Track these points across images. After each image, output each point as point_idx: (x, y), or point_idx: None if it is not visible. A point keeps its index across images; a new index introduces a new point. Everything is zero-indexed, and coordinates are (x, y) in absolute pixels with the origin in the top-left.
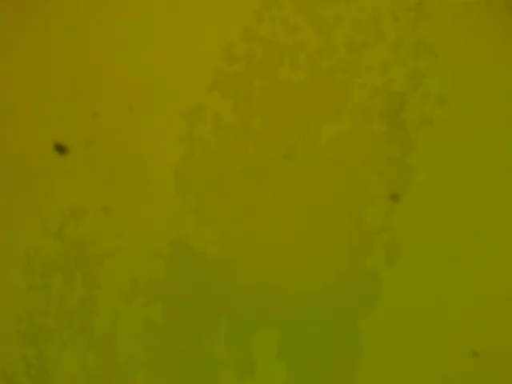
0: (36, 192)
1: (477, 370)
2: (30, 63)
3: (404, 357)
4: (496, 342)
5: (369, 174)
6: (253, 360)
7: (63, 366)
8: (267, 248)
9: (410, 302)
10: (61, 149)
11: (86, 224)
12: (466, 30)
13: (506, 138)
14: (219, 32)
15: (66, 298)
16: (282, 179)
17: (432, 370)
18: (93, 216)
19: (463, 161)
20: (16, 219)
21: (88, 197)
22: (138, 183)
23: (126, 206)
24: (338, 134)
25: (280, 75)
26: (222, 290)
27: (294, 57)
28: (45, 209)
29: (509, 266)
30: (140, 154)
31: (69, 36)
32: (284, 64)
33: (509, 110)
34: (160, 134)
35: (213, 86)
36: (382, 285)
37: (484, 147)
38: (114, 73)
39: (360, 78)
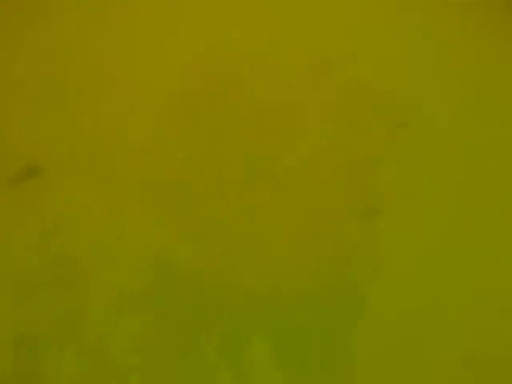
0: (20, 204)
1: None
2: (30, 63)
3: (397, 367)
4: (489, 354)
5: (347, 189)
6: (247, 371)
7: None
8: (251, 260)
9: (397, 315)
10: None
11: (72, 237)
12: (466, 31)
13: (504, 141)
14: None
15: (53, 310)
16: (259, 197)
17: (424, 380)
18: (78, 229)
19: (449, 170)
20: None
21: (73, 210)
22: (119, 195)
23: (110, 219)
24: (313, 148)
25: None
26: (213, 302)
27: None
28: (29, 222)
29: (497, 275)
30: (120, 167)
31: (70, 36)
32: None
33: (508, 112)
34: (138, 145)
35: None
36: (366, 299)
37: (480, 154)
38: (114, 73)
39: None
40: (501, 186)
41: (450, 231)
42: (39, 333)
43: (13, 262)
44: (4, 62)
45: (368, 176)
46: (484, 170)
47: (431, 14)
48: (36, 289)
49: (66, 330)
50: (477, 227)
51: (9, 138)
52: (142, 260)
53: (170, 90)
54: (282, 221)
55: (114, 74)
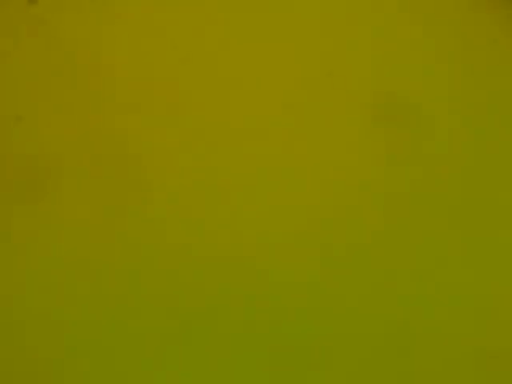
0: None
1: None
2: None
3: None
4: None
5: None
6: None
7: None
8: None
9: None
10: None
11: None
12: (466, 30)
13: (505, 141)
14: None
15: None
16: None
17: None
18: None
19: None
20: None
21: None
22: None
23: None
24: (314, 148)
25: None
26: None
27: None
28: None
29: (499, 273)
30: (122, 169)
31: (71, 34)
32: None
33: (509, 112)
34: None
35: None
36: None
37: (481, 154)
38: (115, 72)
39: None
40: (502, 187)
41: (451, 231)
42: None
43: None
44: (4, 61)
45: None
46: (485, 170)
47: (431, 13)
48: None
49: None
50: (477, 227)
51: (13, 138)
52: None
53: (176, 90)
54: None
55: (117, 74)
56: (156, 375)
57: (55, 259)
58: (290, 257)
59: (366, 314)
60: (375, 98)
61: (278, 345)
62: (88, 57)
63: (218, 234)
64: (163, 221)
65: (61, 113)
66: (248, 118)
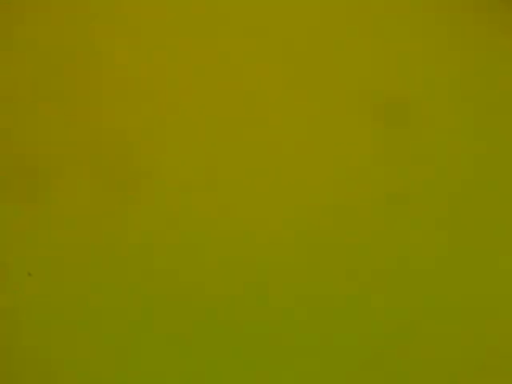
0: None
1: None
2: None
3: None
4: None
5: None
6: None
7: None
8: None
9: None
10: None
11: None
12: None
13: (505, 141)
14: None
15: None
16: None
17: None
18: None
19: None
20: None
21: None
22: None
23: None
24: (313, 148)
25: None
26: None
27: None
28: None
29: (498, 275)
30: (120, 168)
31: (70, 34)
32: None
33: (509, 111)
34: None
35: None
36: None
37: (481, 153)
38: (115, 72)
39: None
40: (502, 186)
41: (451, 230)
42: None
43: None
44: (5, 61)
45: (367, 176)
46: (484, 169)
47: (432, 13)
48: None
49: None
50: (477, 226)
51: (9, 138)
52: None
53: (172, 88)
54: None
55: (114, 73)
56: (155, 374)
57: (55, 258)
58: (288, 255)
59: (366, 314)
60: (375, 98)
61: (279, 345)
62: (88, 57)
63: (217, 233)
64: (162, 220)
65: (60, 113)
66: (248, 118)
